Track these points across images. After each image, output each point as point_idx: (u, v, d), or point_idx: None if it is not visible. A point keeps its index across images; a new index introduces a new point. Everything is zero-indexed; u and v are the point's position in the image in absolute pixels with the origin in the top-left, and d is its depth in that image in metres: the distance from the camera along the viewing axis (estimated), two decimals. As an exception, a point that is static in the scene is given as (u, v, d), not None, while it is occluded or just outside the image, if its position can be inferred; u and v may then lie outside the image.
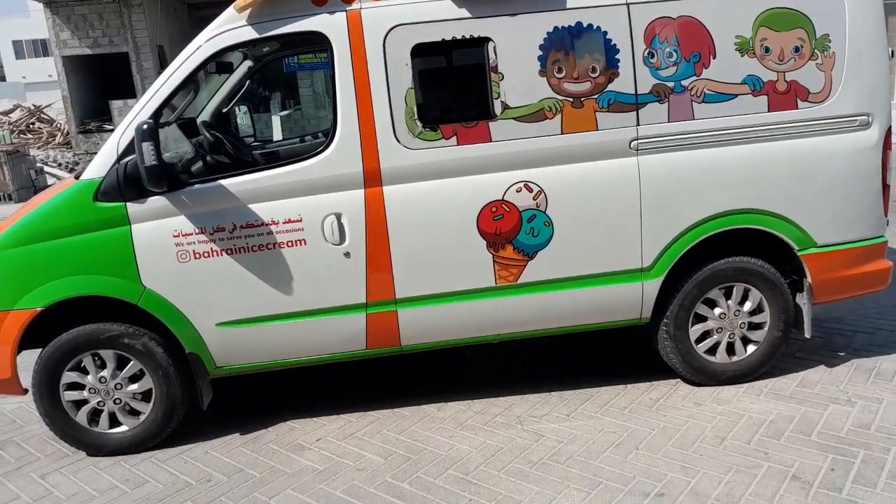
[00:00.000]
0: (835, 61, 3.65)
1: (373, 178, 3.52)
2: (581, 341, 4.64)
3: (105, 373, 3.60)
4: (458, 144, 3.53)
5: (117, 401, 3.64)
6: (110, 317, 3.56)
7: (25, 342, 3.54)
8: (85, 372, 3.60)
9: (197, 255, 3.49)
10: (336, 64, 3.46)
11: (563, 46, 3.51)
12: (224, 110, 4.67)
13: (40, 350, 3.59)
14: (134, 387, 3.63)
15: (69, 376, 3.59)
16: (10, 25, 46.79)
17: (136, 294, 3.48)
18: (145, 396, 3.66)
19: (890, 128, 3.81)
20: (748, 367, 3.99)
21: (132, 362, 3.59)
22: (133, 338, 3.55)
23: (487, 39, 3.48)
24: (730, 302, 3.89)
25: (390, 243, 3.57)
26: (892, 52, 3.88)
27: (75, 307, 3.52)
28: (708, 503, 2.96)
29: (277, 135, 12.13)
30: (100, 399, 3.63)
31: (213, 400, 3.86)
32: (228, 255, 3.50)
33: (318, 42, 3.50)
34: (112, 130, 15.78)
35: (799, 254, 3.82)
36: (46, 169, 15.09)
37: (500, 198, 3.58)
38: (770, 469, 3.17)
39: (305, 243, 3.53)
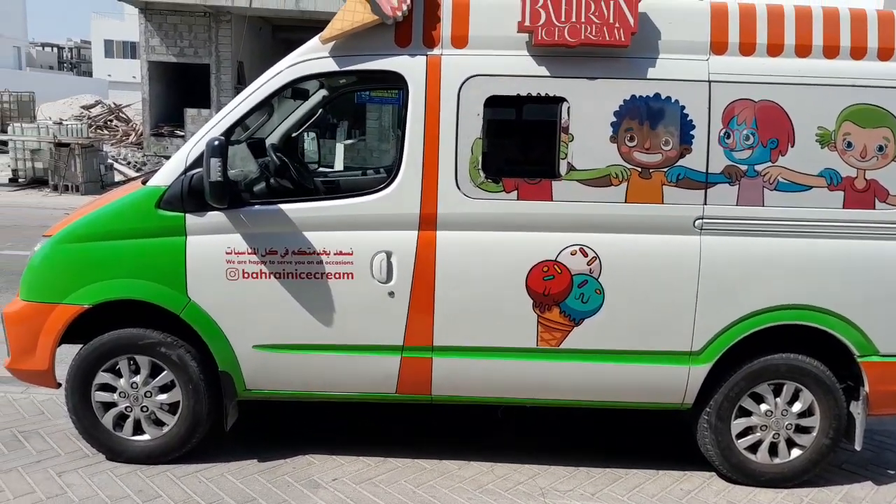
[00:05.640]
0: (919, 166, 3.51)
1: (428, 221, 3.50)
2: (617, 416, 4.48)
3: (138, 378, 3.61)
4: (518, 199, 3.50)
5: (144, 408, 3.64)
6: (148, 324, 3.59)
7: (65, 337, 3.58)
8: (119, 375, 3.62)
9: (246, 275, 3.50)
10: (409, 105, 3.48)
11: (637, 115, 3.46)
12: (293, 135, 4.76)
13: (80, 347, 3.63)
14: (163, 397, 3.63)
15: (103, 377, 3.61)
16: (104, 25, 49.42)
17: (180, 305, 3.51)
18: (172, 408, 3.65)
19: (970, 243, 3.62)
20: (790, 472, 3.76)
21: (165, 372, 3.60)
22: (170, 348, 3.56)
23: (562, 99, 3.47)
24: (778, 400, 3.71)
25: (436, 288, 3.52)
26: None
27: (118, 309, 3.56)
28: None
29: (339, 163, 12.35)
30: (128, 404, 3.64)
31: (237, 422, 3.83)
32: (276, 278, 3.51)
33: (395, 81, 3.54)
34: (183, 137, 16.33)
35: (859, 360, 3.62)
36: (116, 166, 15.65)
37: (554, 258, 3.51)
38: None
39: (353, 277, 3.52)
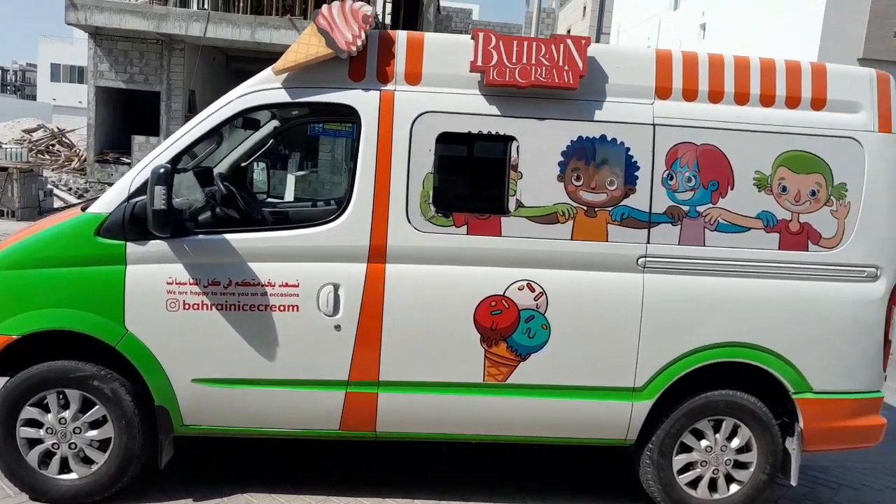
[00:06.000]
0: (849, 210, 3.69)
1: (378, 254, 3.49)
2: (561, 452, 4.48)
3: (67, 414, 3.45)
4: (467, 234, 3.52)
5: (73, 445, 3.47)
6: (82, 356, 3.44)
7: (-7, 368, 3.42)
8: (47, 410, 3.45)
9: (187, 306, 3.41)
10: (362, 138, 3.49)
11: (584, 155, 3.55)
12: (242, 164, 4.71)
13: (6, 379, 3.45)
14: (93, 433, 3.47)
15: (30, 412, 3.44)
16: (52, 49, 48.30)
17: (116, 336, 3.38)
18: (102, 445, 3.49)
19: (898, 284, 3.80)
20: (730, 508, 3.82)
21: (97, 407, 3.45)
22: (103, 381, 3.42)
23: (512, 138, 3.53)
24: (717, 436, 3.78)
25: (384, 321, 3.49)
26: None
27: (50, 340, 3.41)
28: None
29: (290, 194, 12.23)
30: (55, 441, 3.46)
31: (173, 459, 3.68)
32: (218, 310, 3.43)
33: (348, 114, 3.55)
34: (129, 164, 15.93)
35: (794, 396, 3.73)
36: (56, 192, 15.15)
37: (502, 293, 3.53)
38: None
39: (298, 310, 3.46)
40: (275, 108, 4.02)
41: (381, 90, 3.51)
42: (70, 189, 16.35)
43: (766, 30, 16.33)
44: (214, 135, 3.70)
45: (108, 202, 3.44)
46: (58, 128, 23.87)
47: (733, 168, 3.61)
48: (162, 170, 3.22)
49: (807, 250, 3.67)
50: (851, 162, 3.67)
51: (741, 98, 3.64)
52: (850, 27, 14.88)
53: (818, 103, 3.68)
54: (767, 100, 3.66)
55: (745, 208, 3.62)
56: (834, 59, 13.31)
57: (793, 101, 3.67)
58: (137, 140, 17.17)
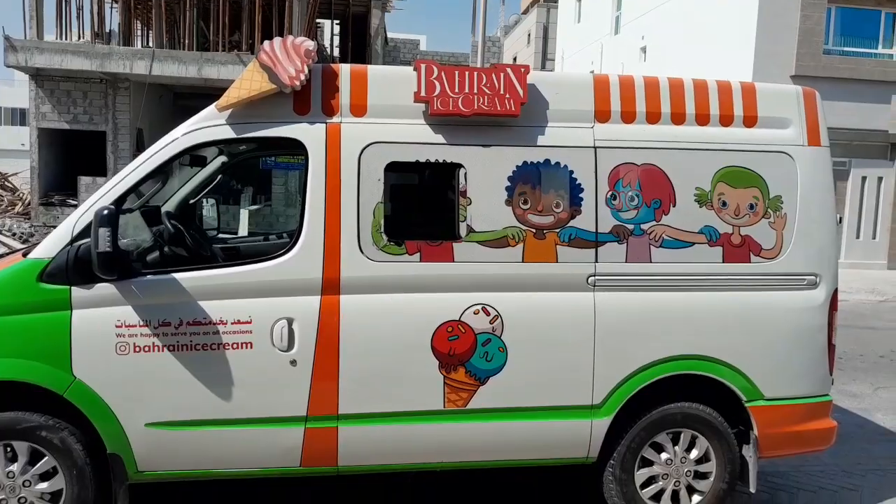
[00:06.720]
0: (786, 221, 3.83)
1: (331, 286, 3.48)
2: (525, 476, 4.48)
3: (14, 467, 3.32)
4: (420, 261, 3.54)
5: (22, 500, 3.34)
6: (29, 405, 3.33)
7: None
8: (-8, 463, 3.32)
9: (137, 349, 3.34)
10: (310, 172, 3.50)
11: (530, 180, 3.62)
12: (191, 202, 4.66)
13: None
14: (43, 485, 3.35)
15: (-26, 467, 3.30)
16: (-10, 92, 47.02)
17: (63, 384, 3.28)
18: (54, 498, 3.36)
19: (836, 289, 3.95)
20: (693, 519, 3.88)
21: (46, 458, 3.33)
22: (52, 431, 3.31)
23: (459, 165, 3.58)
24: (677, 448, 3.84)
25: (340, 354, 3.47)
26: (840, 217, 4.09)
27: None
28: None
29: (243, 229, 12.10)
30: (3, 497, 3.32)
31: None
32: (170, 351, 3.36)
33: (294, 148, 3.56)
34: (76, 206, 15.60)
35: (746, 405, 3.83)
36: (0, 237, 14.68)
37: (458, 318, 3.55)
38: None
39: (252, 346, 3.41)
40: (221, 145, 4.00)
41: (326, 123, 3.53)
42: (14, 234, 15.85)
43: (703, 51, 16.96)
44: (160, 173, 3.65)
45: (50, 246, 3.36)
46: (-1, 172, 23.17)
47: (674, 185, 3.73)
48: (106, 211, 3.16)
49: (749, 262, 3.80)
50: (785, 175, 3.83)
51: (677, 118, 3.78)
52: (781, 46, 15.55)
53: (750, 120, 3.84)
54: (702, 119, 3.80)
55: (687, 224, 3.74)
56: (768, 77, 13.89)
57: (726, 120, 3.82)
58: (84, 181, 16.79)
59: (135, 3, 18.05)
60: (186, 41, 16.92)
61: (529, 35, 34.82)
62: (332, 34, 24.18)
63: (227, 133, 3.52)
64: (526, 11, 39.00)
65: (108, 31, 18.63)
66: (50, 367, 3.28)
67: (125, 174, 3.48)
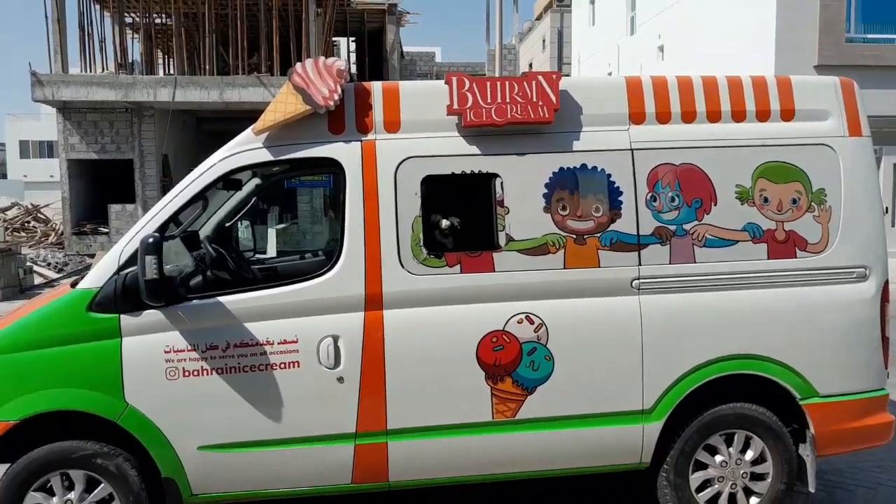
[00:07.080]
0: (831, 214, 3.76)
1: (374, 301, 3.48)
2: (577, 484, 4.43)
3: (72, 495, 3.36)
4: (461, 272, 3.53)
5: (81, 527, 3.38)
6: (83, 434, 3.37)
7: (-7, 456, 3.33)
8: (51, 493, 3.36)
9: (186, 373, 3.37)
10: (347, 190, 3.52)
11: (567, 186, 3.60)
12: (227, 225, 4.70)
13: (7, 466, 3.36)
14: (100, 513, 3.39)
15: (34, 497, 3.34)
16: (19, 126, 48.26)
17: (117, 411, 3.32)
18: (112, 525, 3.40)
19: (887, 280, 3.86)
20: (751, 522, 3.80)
21: (102, 485, 3.37)
22: (107, 458, 3.35)
23: (495, 175, 3.57)
24: (731, 450, 3.77)
25: (386, 369, 3.47)
26: (887, 207, 4.01)
27: (50, 421, 3.34)
28: None
29: (272, 248, 12.21)
30: (63, 525, 3.37)
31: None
32: (219, 374, 3.39)
33: (331, 167, 3.58)
34: (107, 233, 15.83)
35: (801, 403, 3.75)
36: (36, 268, 14.97)
37: (502, 328, 3.53)
38: None
39: (299, 365, 3.43)
40: (258, 168, 4.04)
41: (362, 140, 3.55)
42: (49, 264, 16.17)
43: (723, 47, 16.79)
44: (199, 199, 3.70)
45: (97, 276, 3.41)
46: (31, 204, 23.74)
47: (714, 184, 3.68)
48: (151, 239, 3.20)
49: (795, 257, 3.73)
50: (827, 167, 3.76)
51: (713, 116, 3.73)
52: (802, 37, 15.33)
53: (787, 114, 3.78)
54: (739, 115, 3.75)
55: (730, 222, 3.68)
56: (790, 69, 13.69)
57: (763, 115, 3.77)
58: (114, 209, 17.13)
59: (155, 32, 18.44)
60: (207, 66, 17.22)
61: (544, 40, 34.84)
62: (349, 51, 24.43)
63: (265, 156, 3.55)
64: (539, 17, 39.02)
65: (130, 61, 19.05)
66: (103, 394, 3.32)
67: (166, 202, 3.52)
